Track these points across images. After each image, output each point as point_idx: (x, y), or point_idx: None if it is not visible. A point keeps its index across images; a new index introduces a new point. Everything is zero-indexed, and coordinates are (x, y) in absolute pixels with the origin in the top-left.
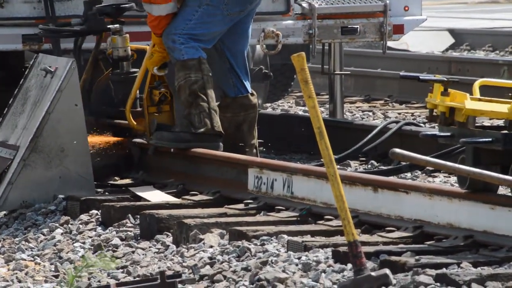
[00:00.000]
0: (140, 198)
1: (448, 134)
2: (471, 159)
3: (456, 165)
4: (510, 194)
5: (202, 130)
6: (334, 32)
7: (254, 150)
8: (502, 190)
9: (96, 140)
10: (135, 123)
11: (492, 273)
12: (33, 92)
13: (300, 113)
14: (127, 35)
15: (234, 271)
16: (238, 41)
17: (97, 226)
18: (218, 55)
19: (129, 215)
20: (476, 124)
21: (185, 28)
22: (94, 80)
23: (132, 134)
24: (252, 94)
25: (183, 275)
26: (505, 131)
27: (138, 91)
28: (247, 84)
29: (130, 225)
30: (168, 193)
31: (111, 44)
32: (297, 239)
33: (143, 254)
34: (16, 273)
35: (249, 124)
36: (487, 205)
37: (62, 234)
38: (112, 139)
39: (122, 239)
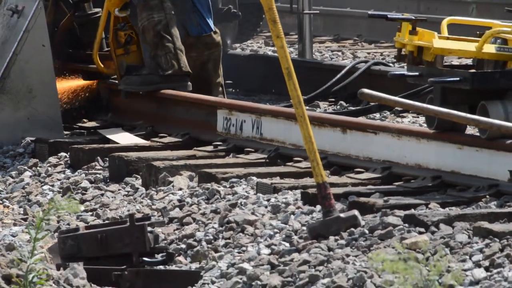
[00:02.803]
0: (109, 141)
1: (417, 73)
2: (439, 98)
3: (425, 105)
4: (477, 133)
5: (170, 71)
6: None
7: (220, 89)
8: (469, 130)
9: (64, 83)
10: (103, 66)
11: (460, 213)
12: (0, 32)
13: (269, 53)
14: None
15: (203, 214)
16: None
17: (66, 169)
18: None
19: (98, 157)
20: (445, 63)
21: None
22: (57, 22)
23: (100, 77)
24: (215, 32)
25: (152, 217)
26: (473, 70)
27: (103, 33)
28: (210, 22)
29: (99, 167)
30: (137, 135)
31: None
32: (266, 181)
33: (112, 197)
34: None
35: (214, 63)
36: (455, 145)
37: (30, 176)
38: (80, 82)
39: (91, 182)
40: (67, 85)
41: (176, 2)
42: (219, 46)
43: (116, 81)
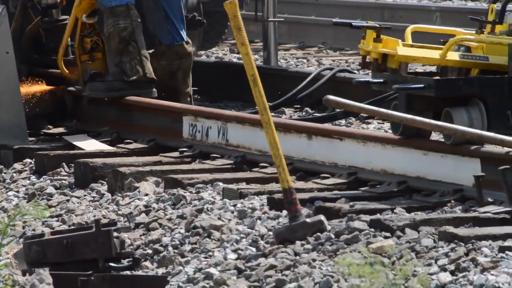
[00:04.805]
0: (74, 147)
1: (381, 80)
2: (404, 105)
3: (389, 112)
4: (442, 140)
5: (134, 77)
6: None
7: (188, 98)
8: (434, 136)
9: (28, 89)
10: (67, 71)
11: (425, 218)
12: None
13: (235, 60)
14: None
15: (169, 219)
16: None
17: (31, 175)
18: (153, 2)
19: (63, 163)
20: (409, 70)
21: None
22: (24, 28)
23: (65, 83)
24: (187, 43)
25: (118, 223)
26: (437, 77)
27: (69, 39)
28: (183, 32)
29: (65, 173)
30: (102, 142)
31: None
32: (232, 186)
33: (78, 203)
34: None
35: (184, 72)
36: (420, 151)
37: None
38: (45, 87)
39: (56, 188)
40: (31, 90)
41: (148, 10)
42: (190, 56)
43: (81, 88)
